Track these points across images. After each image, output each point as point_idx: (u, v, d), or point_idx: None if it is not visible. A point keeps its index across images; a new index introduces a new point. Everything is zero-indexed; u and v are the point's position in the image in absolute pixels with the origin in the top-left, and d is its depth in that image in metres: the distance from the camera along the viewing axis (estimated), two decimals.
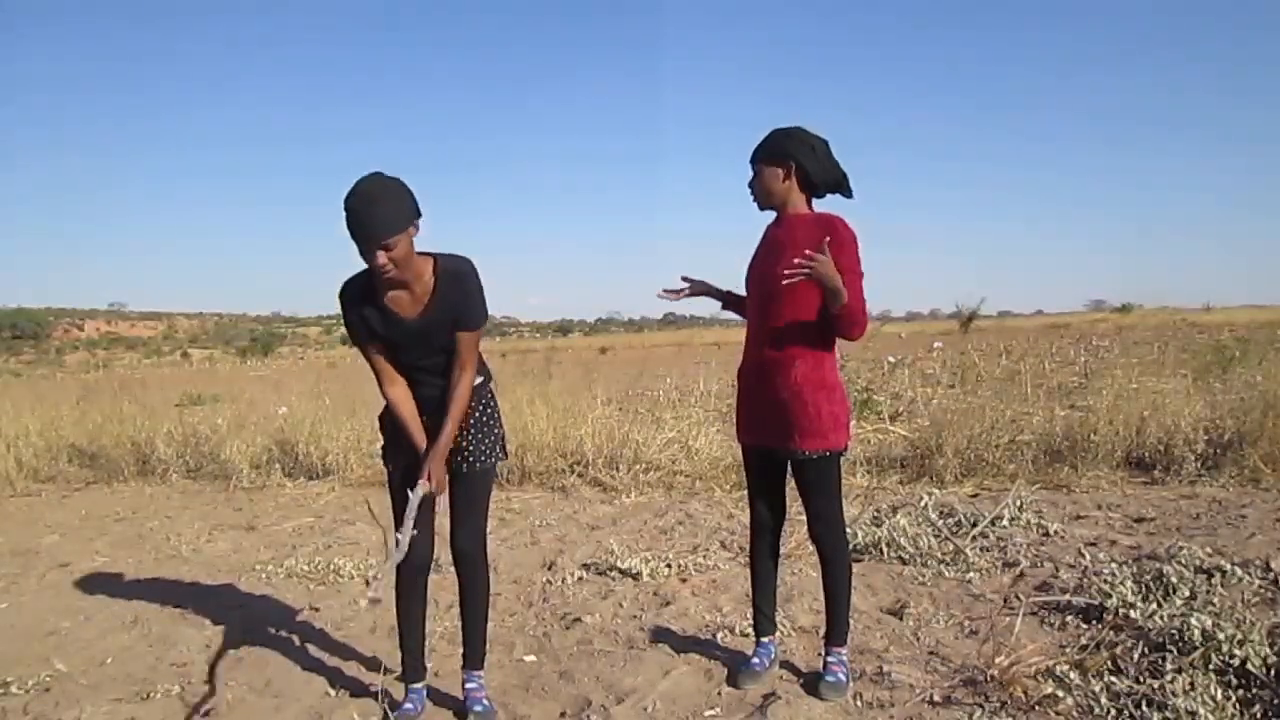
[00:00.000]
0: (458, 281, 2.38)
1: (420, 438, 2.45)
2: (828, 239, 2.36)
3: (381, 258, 2.23)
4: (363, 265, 2.30)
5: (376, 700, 2.56)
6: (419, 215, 2.30)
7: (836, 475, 2.58)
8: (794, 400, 2.48)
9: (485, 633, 2.63)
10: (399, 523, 2.40)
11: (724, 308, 2.83)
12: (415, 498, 2.36)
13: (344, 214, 2.22)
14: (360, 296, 2.38)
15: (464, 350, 2.41)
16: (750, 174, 2.59)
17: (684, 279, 2.78)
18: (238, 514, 5.80)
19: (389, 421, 2.53)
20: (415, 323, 2.38)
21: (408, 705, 2.59)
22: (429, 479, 2.38)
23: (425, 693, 2.66)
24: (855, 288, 2.40)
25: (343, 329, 2.68)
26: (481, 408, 2.56)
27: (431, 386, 2.46)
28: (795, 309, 2.48)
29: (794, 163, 2.50)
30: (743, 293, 2.72)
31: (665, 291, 2.78)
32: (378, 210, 2.20)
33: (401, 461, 2.51)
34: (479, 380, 2.53)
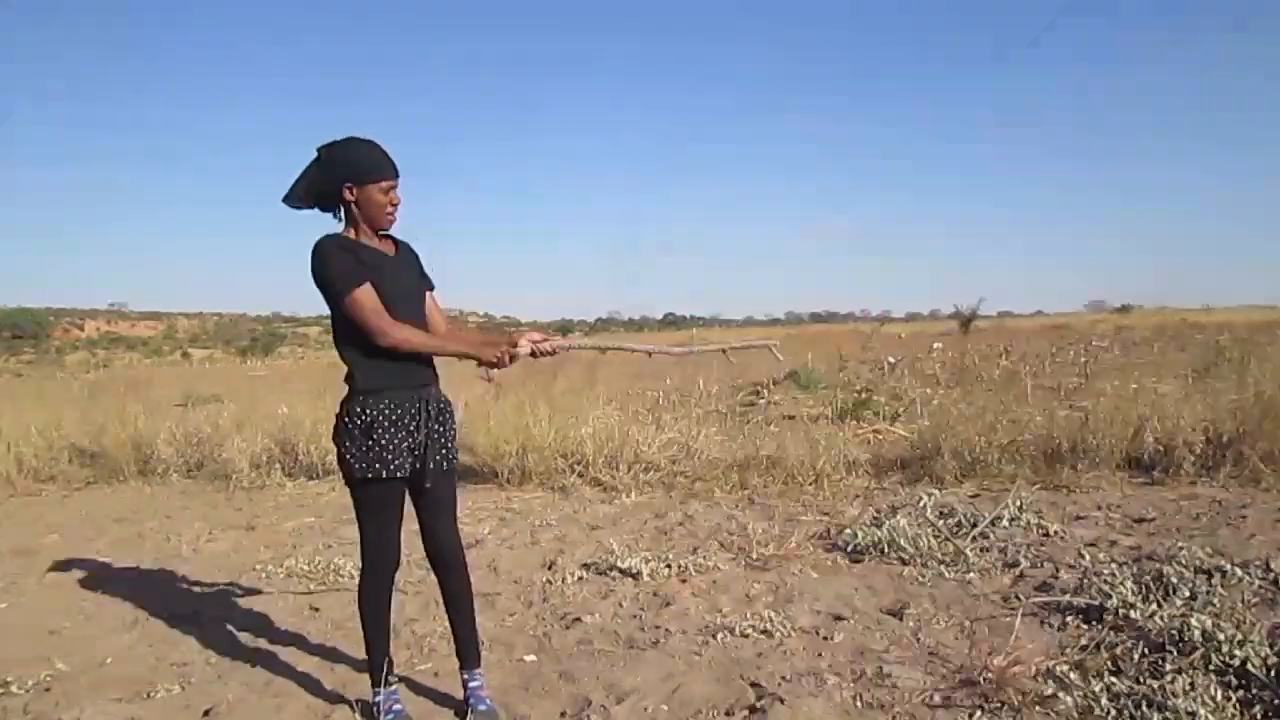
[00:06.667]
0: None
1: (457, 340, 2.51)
2: None
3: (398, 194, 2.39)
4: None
5: (372, 703, 2.55)
6: None
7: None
8: None
9: (477, 628, 2.66)
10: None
11: None
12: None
13: (364, 146, 2.36)
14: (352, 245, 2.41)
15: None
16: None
17: None
18: (238, 514, 5.80)
19: (367, 418, 2.36)
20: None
21: (396, 706, 2.57)
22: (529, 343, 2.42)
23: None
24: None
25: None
26: (451, 411, 2.56)
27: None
28: None
29: None
30: None
31: None
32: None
33: (393, 460, 2.36)
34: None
